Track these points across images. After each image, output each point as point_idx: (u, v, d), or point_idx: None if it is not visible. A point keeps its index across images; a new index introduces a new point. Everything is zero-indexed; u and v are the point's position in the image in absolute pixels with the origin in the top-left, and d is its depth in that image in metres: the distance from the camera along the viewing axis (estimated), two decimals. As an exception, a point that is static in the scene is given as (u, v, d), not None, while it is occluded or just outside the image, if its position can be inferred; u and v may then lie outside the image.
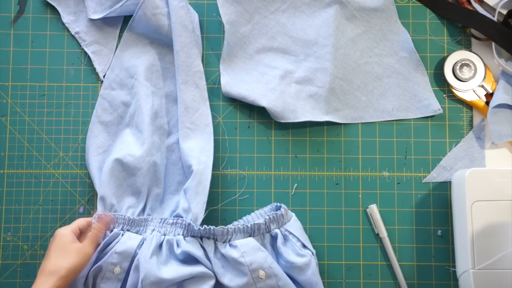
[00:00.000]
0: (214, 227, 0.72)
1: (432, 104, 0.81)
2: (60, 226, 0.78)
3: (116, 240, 0.73)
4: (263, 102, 0.79)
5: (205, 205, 0.73)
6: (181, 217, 0.74)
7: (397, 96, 0.82)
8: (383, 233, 0.79)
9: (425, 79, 0.82)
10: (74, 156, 0.81)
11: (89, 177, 0.80)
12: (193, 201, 0.73)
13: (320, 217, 0.80)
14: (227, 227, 0.72)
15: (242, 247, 0.71)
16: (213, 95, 0.82)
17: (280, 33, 0.83)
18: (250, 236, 0.73)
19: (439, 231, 0.79)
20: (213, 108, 0.82)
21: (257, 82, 0.81)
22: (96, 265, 0.71)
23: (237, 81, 0.81)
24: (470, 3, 0.81)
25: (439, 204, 0.80)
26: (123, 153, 0.76)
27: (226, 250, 0.72)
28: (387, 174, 0.81)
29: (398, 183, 0.81)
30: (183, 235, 0.73)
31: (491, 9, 0.81)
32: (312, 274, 0.72)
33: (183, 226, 0.73)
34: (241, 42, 0.82)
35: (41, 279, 0.63)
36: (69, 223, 0.79)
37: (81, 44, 0.83)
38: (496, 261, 0.70)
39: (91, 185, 0.80)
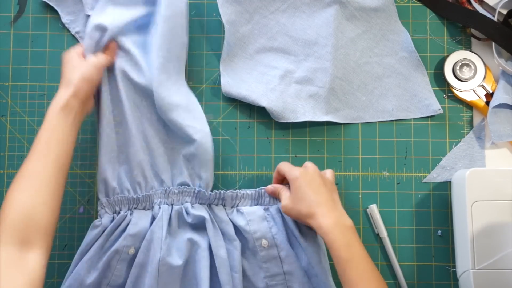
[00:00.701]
0: (224, 191, 0.75)
1: (432, 104, 0.81)
2: (60, 226, 0.78)
3: (125, 222, 0.73)
4: (263, 102, 0.79)
5: (213, 172, 0.76)
6: (187, 185, 0.75)
7: (397, 96, 0.82)
8: (383, 233, 0.79)
9: (425, 79, 0.82)
10: (74, 156, 0.80)
11: (90, 177, 0.80)
12: (202, 168, 0.75)
13: (320, 217, 0.80)
14: (236, 191, 0.75)
15: (248, 215, 0.74)
16: (213, 95, 0.82)
17: (280, 33, 0.83)
18: (258, 204, 0.76)
19: (439, 231, 0.79)
20: (213, 108, 0.82)
21: (257, 82, 0.81)
22: (112, 249, 0.71)
23: (237, 81, 0.81)
24: (470, 3, 0.81)
25: (439, 204, 0.80)
26: None
27: (233, 216, 0.74)
28: (387, 174, 0.81)
29: (398, 183, 0.81)
30: (190, 202, 0.75)
31: (491, 9, 0.81)
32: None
33: (192, 194, 0.75)
34: (241, 42, 0.82)
35: (60, 91, 0.70)
36: (69, 223, 0.80)
37: (81, 44, 0.83)
38: (496, 261, 0.70)
39: (91, 185, 0.80)
